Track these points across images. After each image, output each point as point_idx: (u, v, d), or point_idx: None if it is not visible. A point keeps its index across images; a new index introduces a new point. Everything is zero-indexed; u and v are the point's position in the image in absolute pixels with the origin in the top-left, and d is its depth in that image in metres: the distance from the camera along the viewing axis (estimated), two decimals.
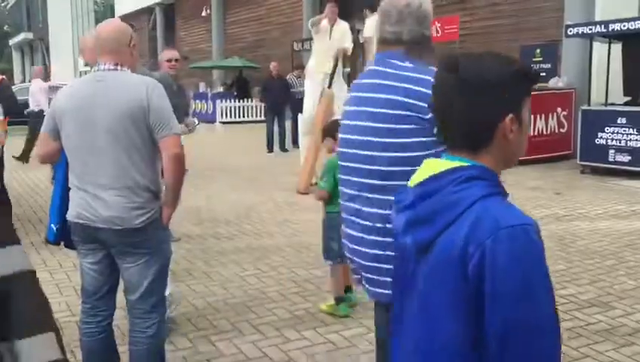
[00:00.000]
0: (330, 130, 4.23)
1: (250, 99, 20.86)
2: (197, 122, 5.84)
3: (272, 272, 4.99)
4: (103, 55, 2.66)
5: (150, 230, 2.66)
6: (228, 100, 20.64)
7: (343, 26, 8.57)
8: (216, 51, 26.29)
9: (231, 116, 20.47)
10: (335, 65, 8.37)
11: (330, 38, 8.50)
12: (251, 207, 7.51)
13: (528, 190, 8.23)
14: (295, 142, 13.15)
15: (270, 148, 12.86)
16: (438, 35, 10.89)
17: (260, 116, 20.29)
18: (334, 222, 3.82)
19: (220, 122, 20.15)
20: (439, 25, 10.83)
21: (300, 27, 19.80)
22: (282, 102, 12.98)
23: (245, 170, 10.50)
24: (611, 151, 9.07)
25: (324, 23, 8.66)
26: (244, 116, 20.69)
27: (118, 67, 2.65)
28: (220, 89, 22.49)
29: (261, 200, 7.91)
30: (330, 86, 8.40)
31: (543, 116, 10.44)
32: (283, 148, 13.00)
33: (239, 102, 20.69)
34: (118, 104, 2.55)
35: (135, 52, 2.75)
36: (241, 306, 4.27)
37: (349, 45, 8.49)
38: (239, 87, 21.42)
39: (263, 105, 15.92)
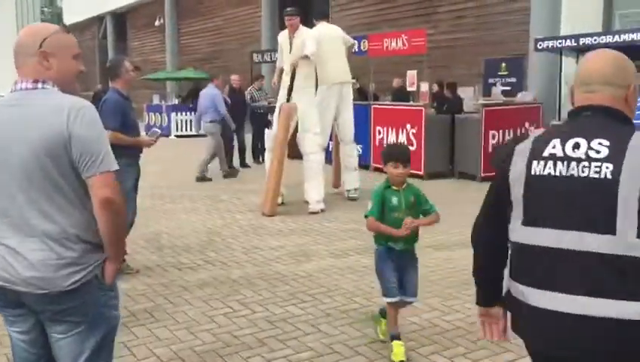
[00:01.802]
0: (394, 154, 3.69)
1: None
2: (159, 131, 5.35)
3: (243, 311, 4.47)
4: (18, 70, 2.09)
5: (86, 292, 2.08)
6: (184, 113, 19.94)
7: (302, 33, 8.00)
8: (170, 62, 25.57)
9: (186, 129, 19.79)
10: (292, 78, 7.89)
11: (291, 51, 8.02)
12: (214, 231, 6.96)
13: None
14: (256, 157, 12.67)
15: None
16: (405, 47, 10.60)
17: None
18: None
19: (175, 135, 19.45)
20: (406, 38, 10.53)
21: (258, 38, 19.36)
22: (243, 115, 12.46)
23: (205, 188, 9.92)
24: None
25: (284, 37, 8.20)
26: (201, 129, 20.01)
27: (39, 85, 2.06)
28: (175, 101, 21.73)
29: (224, 223, 7.37)
30: (288, 100, 7.94)
31: (512, 131, 10.25)
32: (244, 164, 12.47)
33: (196, 114, 19.98)
34: (34, 135, 1.97)
35: (54, 61, 2.08)
36: (212, 355, 3.74)
37: (308, 51, 7.86)
38: (195, 100, 20.70)
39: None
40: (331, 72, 8.33)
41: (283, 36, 8.26)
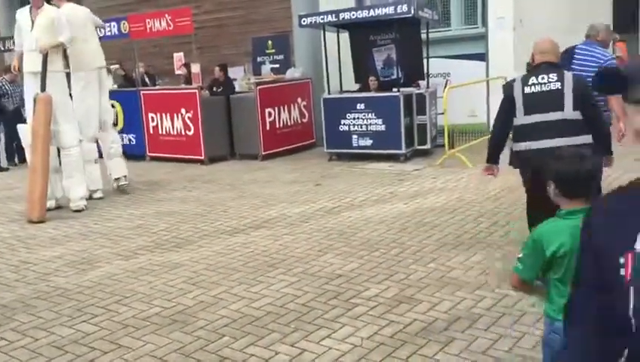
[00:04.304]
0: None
1: None
2: None
3: (22, 340, 3.78)
4: None
5: None
6: None
7: (48, 13, 7.08)
8: None
9: None
10: (44, 63, 6.96)
11: (33, 28, 7.04)
12: None
13: (288, 185, 8.05)
14: (11, 158, 11.12)
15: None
16: (170, 28, 10.06)
17: None
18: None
19: None
20: (170, 18, 9.98)
21: None
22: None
23: None
24: (354, 137, 9.41)
25: (24, 15, 7.20)
26: None
27: None
28: None
29: None
30: (43, 89, 7.00)
31: (286, 107, 10.43)
32: None
33: None
34: None
35: None
36: None
37: (64, 38, 7.06)
38: None
39: None
40: (88, 56, 7.68)
41: (23, 14, 7.25)
